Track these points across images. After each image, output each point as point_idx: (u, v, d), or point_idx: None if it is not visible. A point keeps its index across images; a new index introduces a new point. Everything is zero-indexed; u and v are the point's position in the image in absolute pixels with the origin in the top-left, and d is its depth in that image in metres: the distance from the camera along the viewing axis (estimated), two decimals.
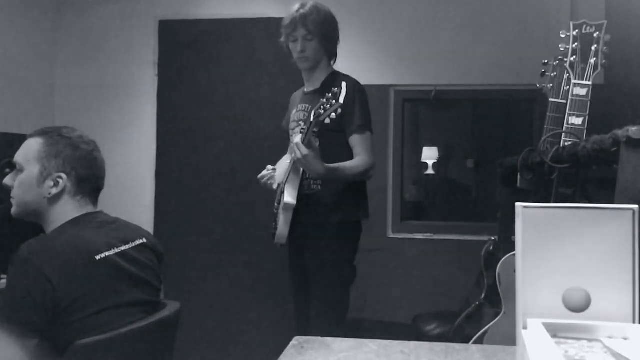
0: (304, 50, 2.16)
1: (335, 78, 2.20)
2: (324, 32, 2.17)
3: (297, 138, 1.96)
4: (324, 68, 2.25)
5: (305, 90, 2.31)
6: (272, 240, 2.20)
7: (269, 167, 2.29)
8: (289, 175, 2.13)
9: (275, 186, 2.25)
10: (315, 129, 1.91)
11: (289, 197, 2.09)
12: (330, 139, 2.11)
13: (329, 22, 2.20)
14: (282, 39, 2.24)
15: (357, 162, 2.10)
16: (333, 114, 1.85)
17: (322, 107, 1.85)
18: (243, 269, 3.15)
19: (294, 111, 2.31)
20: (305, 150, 1.90)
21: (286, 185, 2.12)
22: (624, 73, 2.41)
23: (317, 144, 1.95)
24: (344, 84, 1.84)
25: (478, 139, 3.76)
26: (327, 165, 1.97)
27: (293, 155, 1.98)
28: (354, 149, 2.13)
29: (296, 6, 2.18)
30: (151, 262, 1.51)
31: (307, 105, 2.20)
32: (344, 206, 2.14)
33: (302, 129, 2.06)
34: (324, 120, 1.87)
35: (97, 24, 3.37)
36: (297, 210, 2.11)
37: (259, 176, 2.26)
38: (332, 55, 2.27)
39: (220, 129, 3.22)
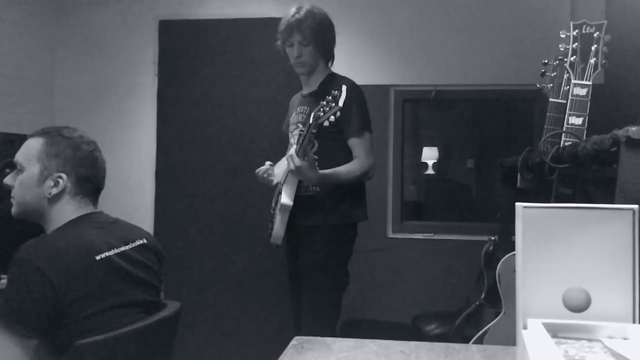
0: (300, 55, 2.16)
1: (332, 79, 2.20)
2: (320, 37, 2.17)
3: (291, 150, 1.97)
4: (321, 71, 2.25)
5: (304, 92, 2.32)
6: (269, 240, 2.20)
7: (268, 162, 2.29)
8: (286, 176, 2.13)
9: (274, 182, 2.25)
10: (314, 131, 1.92)
11: (286, 198, 2.10)
12: (329, 141, 2.12)
13: (325, 26, 2.19)
14: (279, 43, 2.24)
15: (353, 165, 2.10)
16: (332, 117, 1.86)
17: (321, 109, 1.86)
18: (243, 269, 3.15)
19: (293, 114, 2.31)
20: (298, 162, 1.91)
21: (284, 187, 2.12)
22: (624, 73, 2.41)
23: (315, 149, 1.96)
24: (344, 87, 1.84)
25: (478, 139, 3.76)
26: (321, 172, 1.99)
27: (288, 166, 2.00)
28: (353, 151, 2.13)
29: (291, 11, 2.17)
30: (151, 263, 1.51)
31: (306, 108, 2.21)
32: (342, 208, 2.14)
33: (301, 130, 2.07)
34: (322, 122, 1.88)
35: (97, 24, 3.37)
36: (294, 212, 2.11)
37: (257, 170, 2.26)
38: (329, 58, 2.27)
39: (220, 129, 3.22)
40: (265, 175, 2.24)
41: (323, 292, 2.13)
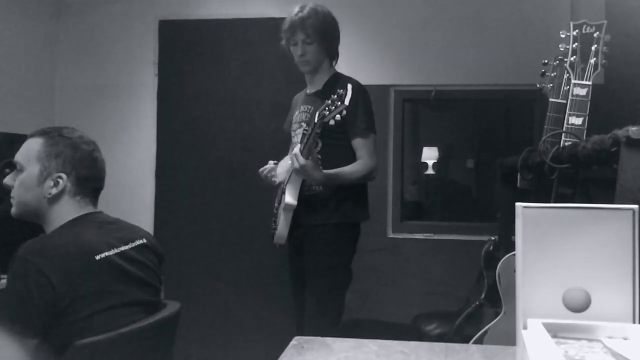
0: (304, 54, 2.17)
1: (337, 79, 2.20)
2: (324, 35, 2.17)
3: (295, 149, 1.97)
4: (326, 69, 2.25)
5: (308, 91, 2.32)
6: (272, 240, 2.20)
7: (271, 162, 2.29)
8: (290, 175, 2.13)
9: (277, 182, 2.25)
10: (318, 130, 1.92)
11: (290, 197, 2.09)
12: (332, 141, 2.12)
13: (328, 24, 2.20)
14: (283, 42, 2.24)
15: (358, 165, 2.11)
16: (337, 116, 1.86)
17: (326, 108, 1.86)
18: (243, 269, 3.15)
19: (296, 113, 2.31)
20: (303, 161, 1.92)
21: (287, 186, 2.12)
22: (624, 73, 2.40)
23: (318, 149, 1.96)
24: (349, 86, 1.85)
25: (478, 139, 3.76)
26: (326, 171, 1.99)
27: (293, 165, 2.00)
28: (356, 152, 2.13)
29: (295, 9, 2.18)
30: (151, 263, 1.51)
31: (310, 107, 2.21)
32: (345, 208, 2.14)
33: (305, 130, 2.07)
34: (328, 121, 1.88)
35: (97, 24, 3.37)
36: (297, 212, 2.11)
37: (260, 170, 2.26)
38: (333, 56, 2.27)
39: (220, 129, 3.22)
40: (269, 175, 2.25)
41: (327, 291, 2.13)
